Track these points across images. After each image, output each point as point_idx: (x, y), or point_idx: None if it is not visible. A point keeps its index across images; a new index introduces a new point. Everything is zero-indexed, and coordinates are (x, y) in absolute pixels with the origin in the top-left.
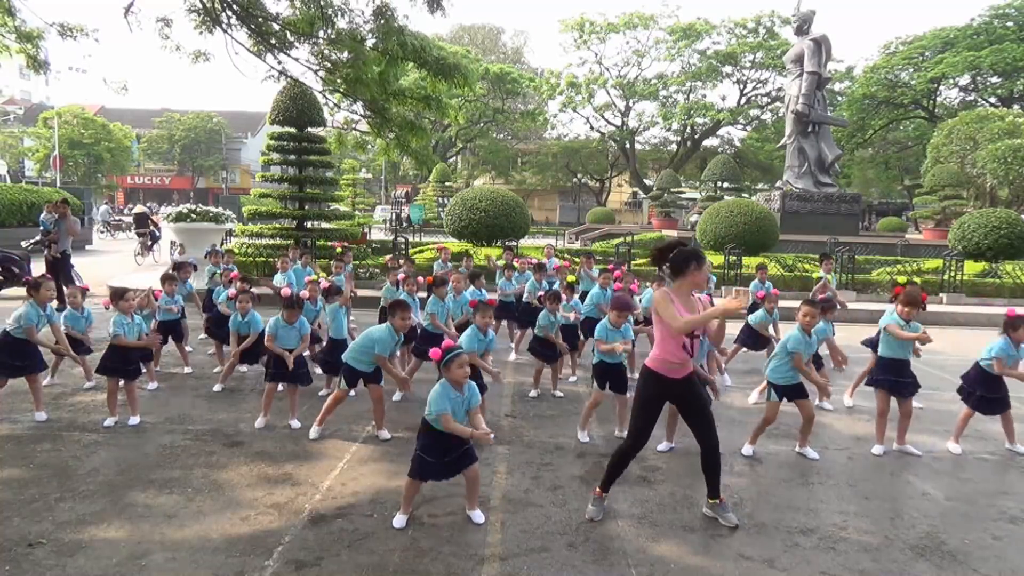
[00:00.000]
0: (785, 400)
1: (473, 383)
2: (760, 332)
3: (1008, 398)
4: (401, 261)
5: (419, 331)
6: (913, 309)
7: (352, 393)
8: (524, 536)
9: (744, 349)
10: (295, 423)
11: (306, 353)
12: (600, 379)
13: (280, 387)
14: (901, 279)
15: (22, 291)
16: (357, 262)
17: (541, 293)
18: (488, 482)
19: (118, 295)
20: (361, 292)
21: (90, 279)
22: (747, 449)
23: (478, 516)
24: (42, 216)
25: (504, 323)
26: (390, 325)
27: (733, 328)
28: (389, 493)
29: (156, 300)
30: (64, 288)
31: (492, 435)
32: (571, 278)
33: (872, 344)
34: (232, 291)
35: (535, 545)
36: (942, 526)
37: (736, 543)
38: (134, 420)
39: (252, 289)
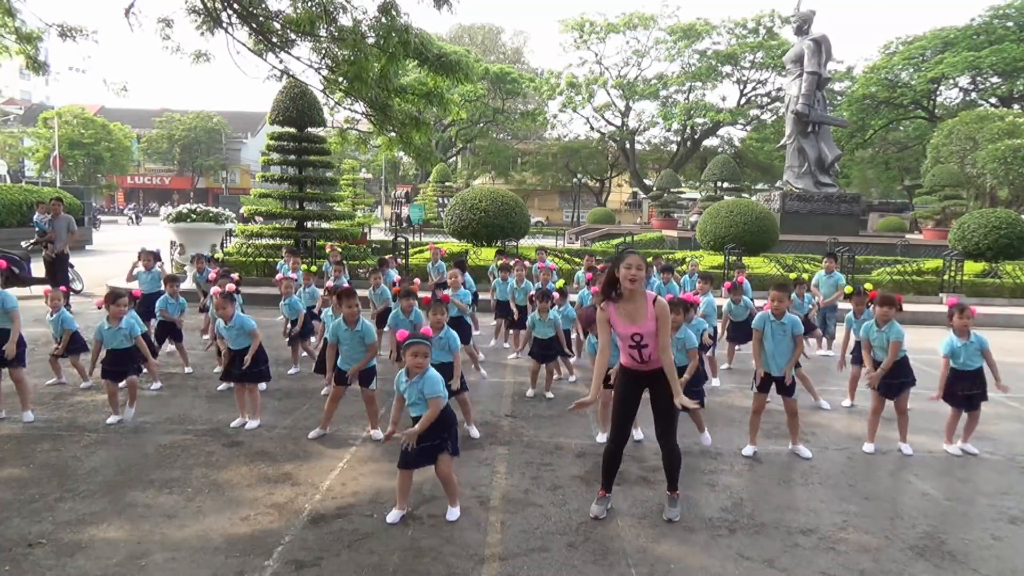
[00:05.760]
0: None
1: (438, 377)
2: (740, 323)
3: (986, 392)
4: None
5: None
6: (891, 309)
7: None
8: (524, 536)
9: (738, 346)
10: (250, 423)
11: (304, 354)
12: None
13: (263, 386)
14: (868, 285)
15: (22, 291)
16: (356, 262)
17: (532, 293)
18: (488, 482)
19: (111, 298)
20: (360, 293)
21: (92, 279)
22: (748, 449)
23: (452, 513)
24: (35, 217)
25: (503, 323)
26: (342, 316)
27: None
28: (389, 493)
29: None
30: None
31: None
32: (560, 283)
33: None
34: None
35: (535, 545)
36: (942, 526)
37: (736, 543)
38: (130, 411)
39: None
